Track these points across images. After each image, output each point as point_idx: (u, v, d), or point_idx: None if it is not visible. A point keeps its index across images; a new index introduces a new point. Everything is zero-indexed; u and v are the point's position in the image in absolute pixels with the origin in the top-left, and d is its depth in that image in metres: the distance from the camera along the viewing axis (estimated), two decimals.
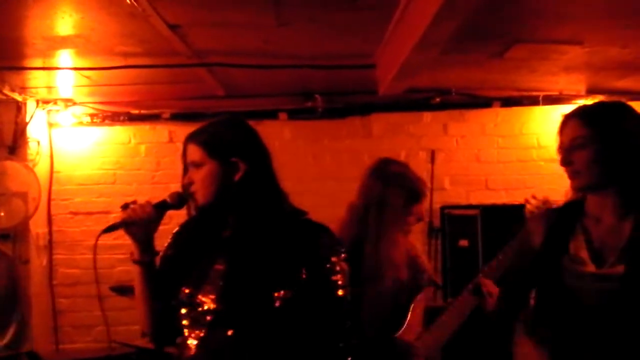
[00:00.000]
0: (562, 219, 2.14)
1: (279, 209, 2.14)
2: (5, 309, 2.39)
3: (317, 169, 5.34)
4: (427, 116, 5.38)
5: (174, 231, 2.24)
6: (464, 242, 4.12)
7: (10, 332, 2.32)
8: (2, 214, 4.61)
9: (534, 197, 2.89)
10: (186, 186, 2.11)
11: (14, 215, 4.67)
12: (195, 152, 2.09)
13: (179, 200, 2.12)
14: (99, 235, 1.99)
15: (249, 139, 2.16)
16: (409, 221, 2.92)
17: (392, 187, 2.85)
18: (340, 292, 2.03)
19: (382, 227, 2.82)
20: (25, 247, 4.97)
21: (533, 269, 2.17)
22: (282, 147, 5.13)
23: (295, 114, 5.34)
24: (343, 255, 2.08)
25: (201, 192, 2.08)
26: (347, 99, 5.23)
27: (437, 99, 5.16)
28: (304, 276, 2.00)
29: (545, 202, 2.83)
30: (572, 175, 2.05)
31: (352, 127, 5.38)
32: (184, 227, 2.25)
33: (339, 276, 2.03)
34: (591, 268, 2.00)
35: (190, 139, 2.13)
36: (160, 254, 2.14)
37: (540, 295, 2.16)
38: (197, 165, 2.09)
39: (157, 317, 2.11)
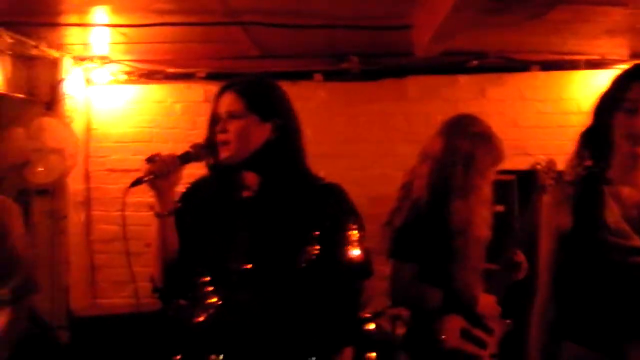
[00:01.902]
0: (587, 191, 2.07)
1: (304, 173, 2.16)
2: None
3: (351, 131, 5.30)
4: (463, 79, 5.30)
5: (185, 189, 2.25)
6: (499, 207, 4.09)
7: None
8: (41, 169, 4.67)
9: (538, 162, 2.89)
10: (219, 134, 2.09)
11: (51, 171, 4.72)
12: (235, 103, 2.09)
13: (202, 151, 2.12)
14: (127, 190, 2.01)
15: (286, 101, 2.18)
16: (490, 181, 2.91)
17: (480, 147, 2.85)
18: (353, 252, 2.10)
19: (469, 184, 2.82)
20: (63, 203, 5.04)
21: (568, 251, 2.11)
22: (316, 108, 5.13)
23: (330, 76, 5.29)
24: (358, 217, 2.15)
25: (234, 145, 2.08)
26: (383, 60, 5.17)
27: (474, 62, 5.07)
28: (323, 238, 2.05)
29: (551, 163, 2.83)
30: None
31: (387, 89, 5.31)
32: (197, 185, 2.25)
33: (353, 238, 2.10)
34: (638, 241, 1.94)
35: (230, 88, 2.12)
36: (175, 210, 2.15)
37: (582, 277, 2.08)
38: (235, 116, 2.08)
39: (171, 272, 2.13)
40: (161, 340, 2.19)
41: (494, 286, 2.96)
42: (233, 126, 2.08)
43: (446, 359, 2.80)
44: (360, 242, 2.13)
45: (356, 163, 5.09)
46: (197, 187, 2.24)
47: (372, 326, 4.15)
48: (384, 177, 4.83)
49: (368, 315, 4.13)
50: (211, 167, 2.18)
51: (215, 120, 2.14)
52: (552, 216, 2.20)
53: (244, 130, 2.08)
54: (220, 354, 2.03)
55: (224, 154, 2.10)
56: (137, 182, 2.01)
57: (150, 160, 2.02)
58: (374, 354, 4.10)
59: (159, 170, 2.00)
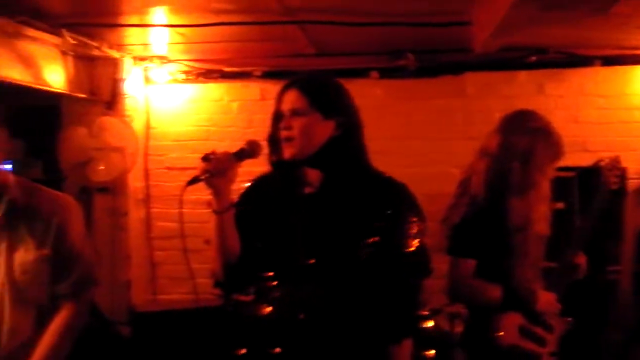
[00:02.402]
0: None
1: (366, 169, 2.18)
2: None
3: (408, 129, 5.26)
4: (522, 75, 5.20)
5: (247, 185, 2.27)
6: (559, 205, 4.03)
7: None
8: (102, 167, 4.78)
9: (602, 159, 2.83)
10: (282, 131, 2.11)
11: (112, 169, 4.82)
12: (298, 100, 2.10)
13: (257, 148, 2.14)
14: (184, 188, 2.04)
15: (348, 98, 2.20)
16: (549, 176, 2.87)
17: (539, 143, 2.81)
18: (413, 245, 2.11)
19: (527, 180, 2.79)
20: (123, 200, 5.15)
21: None
22: (373, 106, 5.09)
23: (386, 73, 5.26)
24: (420, 211, 2.17)
25: (298, 142, 2.10)
26: (440, 57, 5.12)
27: (533, 58, 4.98)
28: (384, 230, 2.07)
29: (616, 161, 2.77)
30: None
31: (444, 86, 5.26)
32: (259, 181, 2.27)
33: (414, 231, 2.11)
34: None
35: (294, 85, 2.14)
36: (236, 205, 2.18)
37: None
38: (299, 113, 2.10)
39: (231, 266, 2.16)
40: (223, 335, 2.22)
41: (554, 284, 2.91)
42: (297, 123, 2.10)
43: (504, 357, 2.76)
44: (421, 236, 2.14)
45: (413, 161, 5.06)
46: (259, 183, 2.26)
47: (430, 324, 4.13)
48: (441, 175, 4.78)
49: (426, 312, 4.11)
50: (274, 164, 2.21)
51: (278, 117, 2.16)
52: (633, 219, 2.16)
53: (307, 127, 2.10)
54: (284, 347, 2.06)
55: (287, 151, 2.12)
56: (193, 181, 2.04)
57: (205, 158, 2.05)
58: (432, 352, 4.07)
59: (215, 168, 2.03)
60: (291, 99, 2.12)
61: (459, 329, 3.72)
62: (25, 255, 2.30)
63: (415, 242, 2.13)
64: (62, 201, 2.44)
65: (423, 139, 5.21)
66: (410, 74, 5.16)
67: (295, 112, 2.10)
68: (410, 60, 5.05)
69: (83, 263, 2.40)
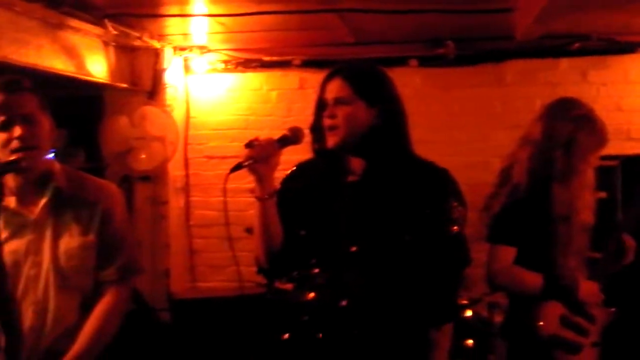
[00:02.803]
0: None
1: (409, 157, 2.18)
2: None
3: (447, 118, 5.22)
4: (564, 63, 5.12)
5: (290, 172, 2.29)
6: (602, 194, 3.99)
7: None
8: (143, 156, 4.84)
9: None
10: (326, 119, 2.12)
11: (153, 157, 4.88)
12: (343, 89, 2.11)
13: (299, 135, 2.15)
14: (228, 175, 2.04)
15: (391, 86, 2.20)
16: (592, 165, 2.84)
17: (583, 130, 2.79)
18: (454, 229, 2.12)
19: (570, 168, 2.77)
20: (164, 188, 5.21)
21: None
22: (412, 94, 5.00)
23: (425, 61, 5.22)
24: (460, 195, 2.18)
25: (342, 130, 2.11)
26: (480, 45, 5.06)
27: (576, 45, 4.90)
28: (426, 216, 2.08)
29: None
30: None
31: (484, 74, 5.20)
32: (301, 168, 2.28)
33: (455, 216, 2.12)
34: None
35: (338, 74, 2.14)
36: (279, 191, 2.19)
37: None
38: (344, 102, 2.11)
39: (274, 252, 2.16)
40: (264, 321, 2.25)
41: (597, 273, 2.88)
42: (341, 112, 2.10)
43: (544, 346, 2.74)
44: (461, 222, 2.15)
45: (452, 150, 5.02)
46: (301, 170, 2.28)
47: (469, 313, 4.11)
48: (481, 164, 4.74)
49: (465, 302, 4.09)
50: (317, 152, 2.22)
51: (321, 106, 2.17)
52: None
53: (351, 116, 2.10)
54: (326, 333, 2.08)
55: (331, 139, 2.13)
56: (237, 167, 2.05)
57: (249, 145, 2.05)
58: (471, 341, 4.06)
59: (259, 155, 2.03)
60: (335, 88, 2.13)
61: (498, 318, 3.70)
62: (70, 241, 2.33)
63: (456, 227, 2.14)
64: (105, 189, 2.48)
65: (463, 128, 5.17)
66: (450, 62, 5.12)
67: (339, 101, 2.11)
68: (450, 48, 5.00)
69: (127, 250, 2.44)
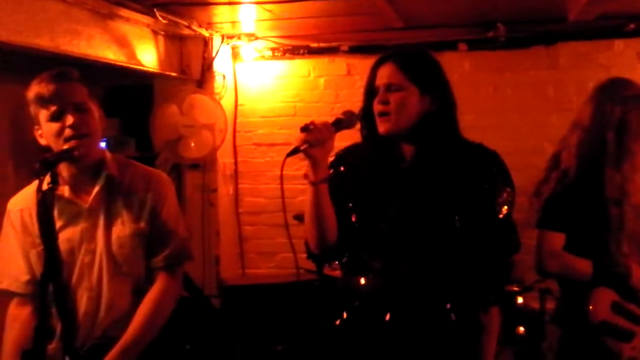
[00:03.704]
0: None
1: (458, 142, 2.17)
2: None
3: (499, 102, 5.14)
4: (619, 44, 4.99)
5: (335, 156, 2.25)
6: None
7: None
8: (193, 144, 4.88)
9: None
10: (378, 105, 2.11)
11: (203, 145, 4.92)
12: (395, 75, 2.09)
13: (354, 118, 2.14)
14: (285, 159, 2.00)
15: (442, 72, 2.18)
16: None
17: (634, 110, 2.71)
18: (503, 211, 2.11)
19: (622, 151, 2.70)
20: (213, 176, 5.25)
21: None
22: (461, 79, 5.00)
23: (475, 45, 5.14)
24: (509, 178, 2.15)
25: (394, 116, 2.09)
26: (531, 27, 4.96)
27: (631, 26, 4.77)
28: (476, 198, 2.07)
29: None
30: None
31: (536, 57, 5.10)
32: (348, 152, 2.26)
33: (504, 198, 2.10)
34: None
35: (389, 59, 2.12)
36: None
37: None
38: (396, 88, 2.09)
39: (326, 237, 2.14)
40: (315, 307, 2.25)
41: None
42: (393, 98, 2.08)
43: (596, 333, 2.68)
44: (511, 205, 2.13)
45: (504, 135, 4.94)
46: (346, 155, 2.26)
47: (520, 300, 4.06)
48: (535, 149, 4.65)
49: (517, 289, 4.04)
50: (367, 138, 2.20)
51: (372, 92, 2.15)
52: None
53: (404, 102, 2.08)
54: (378, 318, 2.07)
55: (382, 125, 2.11)
56: (294, 152, 2.01)
57: (305, 129, 2.01)
58: (522, 328, 4.01)
59: (315, 139, 2.00)
60: (387, 74, 2.11)
61: (550, 305, 3.64)
62: (122, 229, 2.36)
63: (505, 210, 2.11)
64: (156, 177, 2.50)
65: (515, 112, 5.08)
66: (501, 45, 5.03)
67: (391, 87, 2.09)
68: (500, 31, 4.91)
69: (177, 237, 2.46)
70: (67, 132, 2.25)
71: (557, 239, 2.73)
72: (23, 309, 2.37)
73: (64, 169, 2.33)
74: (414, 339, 2.07)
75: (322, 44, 5.40)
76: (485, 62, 5.18)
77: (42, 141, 2.34)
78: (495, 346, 2.21)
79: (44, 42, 3.50)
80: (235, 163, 5.60)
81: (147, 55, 4.60)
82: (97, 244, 2.35)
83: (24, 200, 2.40)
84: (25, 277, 2.37)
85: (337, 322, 2.19)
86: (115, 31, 4.17)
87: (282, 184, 2.04)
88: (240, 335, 4.50)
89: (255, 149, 5.59)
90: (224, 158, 5.40)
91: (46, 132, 2.30)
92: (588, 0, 3.60)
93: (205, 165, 5.18)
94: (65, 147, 2.25)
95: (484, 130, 4.83)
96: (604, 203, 2.69)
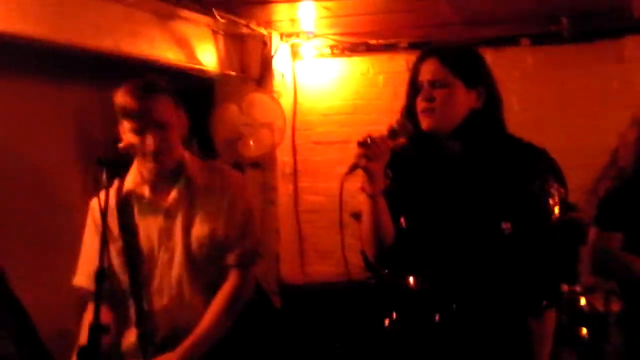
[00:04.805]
0: None
1: (506, 139, 2.12)
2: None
3: (562, 99, 5.01)
4: None
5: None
6: None
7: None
8: (252, 143, 4.91)
9: None
10: (422, 102, 2.06)
11: (262, 144, 4.95)
12: (440, 70, 2.05)
13: (408, 127, 2.09)
14: (344, 177, 1.99)
15: (487, 68, 2.13)
16: None
17: None
18: (555, 211, 2.04)
19: None
20: (272, 175, 5.28)
21: None
22: (524, 75, 4.91)
23: (538, 39, 5.02)
24: (561, 176, 2.08)
25: (440, 113, 2.05)
26: (597, 21, 4.83)
27: None
28: (527, 199, 2.02)
29: None
30: None
31: (601, 52, 4.95)
32: (396, 155, 2.21)
33: (556, 197, 2.04)
34: None
35: (433, 55, 2.08)
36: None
37: None
38: (442, 84, 2.04)
39: (384, 248, 2.12)
40: (370, 307, 2.23)
41: None
42: (439, 94, 2.04)
43: None
44: (564, 203, 2.07)
45: (568, 131, 4.83)
46: (394, 157, 2.22)
47: (583, 301, 3.96)
48: (600, 146, 4.48)
49: (579, 289, 3.95)
50: (413, 137, 2.16)
51: (416, 89, 2.10)
52: None
53: (450, 98, 2.04)
54: (429, 322, 2.05)
55: (426, 122, 2.06)
56: (352, 169, 2.00)
57: (363, 144, 1.99)
58: (585, 330, 3.92)
59: (373, 154, 1.98)
60: (431, 70, 2.06)
61: (615, 307, 3.55)
62: (200, 229, 2.42)
63: (557, 210, 2.05)
64: (232, 177, 2.56)
65: (579, 108, 4.95)
66: (564, 40, 4.90)
67: (436, 83, 2.04)
68: (563, 25, 4.79)
69: (251, 236, 2.52)
70: (148, 148, 2.31)
71: (614, 239, 2.66)
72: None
73: (144, 170, 2.40)
74: (465, 340, 2.04)
75: (380, 41, 5.36)
76: (549, 57, 5.05)
77: (124, 142, 2.37)
78: (550, 349, 2.15)
79: (106, 44, 3.57)
80: (295, 161, 5.62)
81: (207, 55, 4.65)
82: (176, 242, 2.41)
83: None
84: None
85: (387, 322, 2.17)
86: (175, 32, 4.23)
87: (340, 199, 2.02)
88: (300, 334, 4.52)
89: (314, 147, 5.60)
90: (283, 156, 5.42)
91: (127, 139, 2.35)
92: None
93: (264, 163, 5.22)
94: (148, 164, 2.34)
95: (548, 127, 4.78)
96: None
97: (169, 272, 2.41)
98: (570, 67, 5.01)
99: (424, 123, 2.07)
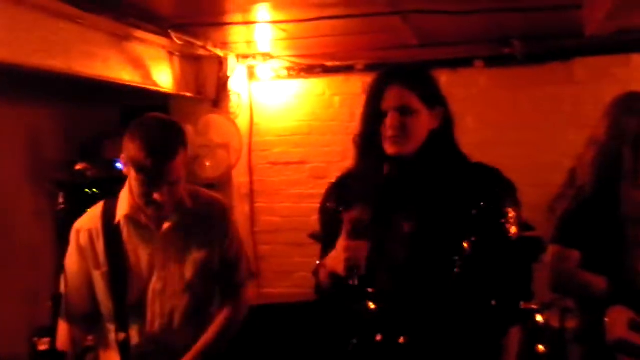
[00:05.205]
0: None
1: (461, 158, 2.13)
2: None
3: (516, 118, 5.10)
4: (636, 59, 4.94)
5: (328, 189, 2.24)
6: None
7: None
8: (208, 164, 4.88)
9: None
10: (390, 129, 2.03)
11: (218, 165, 4.93)
12: (407, 97, 2.03)
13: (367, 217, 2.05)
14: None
15: (439, 87, 2.13)
16: None
17: None
18: (511, 230, 2.05)
19: (639, 166, 2.64)
20: (229, 195, 5.24)
21: None
22: (478, 96, 4.99)
23: (492, 61, 5.12)
24: (514, 195, 2.09)
25: (407, 138, 2.03)
26: (548, 43, 4.93)
27: None
28: (483, 221, 2.02)
29: None
30: None
31: (553, 73, 5.07)
32: (343, 183, 2.20)
33: (511, 217, 2.04)
34: None
35: (398, 81, 2.05)
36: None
37: None
38: (410, 111, 2.03)
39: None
40: (331, 327, 2.21)
41: None
42: (408, 121, 2.02)
43: (612, 351, 2.63)
44: (518, 221, 2.08)
45: (522, 151, 4.91)
46: (341, 186, 2.20)
47: (540, 318, 4.00)
48: (552, 165, 4.59)
49: (536, 307, 3.98)
50: (368, 161, 2.12)
51: (378, 114, 2.06)
52: None
53: (417, 123, 2.03)
54: (396, 340, 2.03)
55: (395, 149, 2.04)
56: (351, 285, 2.00)
57: (350, 271, 1.97)
58: (542, 347, 3.95)
59: (362, 267, 1.98)
60: (397, 96, 2.03)
61: (571, 324, 3.59)
62: (194, 255, 2.41)
63: (513, 229, 2.06)
64: (218, 203, 2.57)
65: (532, 128, 5.04)
66: (517, 61, 4.99)
67: (404, 110, 2.02)
68: (516, 47, 4.88)
69: (245, 258, 2.57)
70: (155, 200, 2.25)
71: (571, 257, 2.69)
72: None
73: (141, 204, 2.33)
74: None
75: (337, 63, 5.40)
76: (502, 79, 5.15)
77: (124, 170, 2.32)
78: None
79: (59, 63, 3.51)
80: (251, 182, 5.61)
81: (163, 76, 4.62)
82: (171, 272, 2.39)
83: (91, 220, 2.44)
84: (84, 311, 2.41)
85: (350, 347, 2.15)
86: (131, 52, 4.19)
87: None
88: (257, 355, 4.47)
89: (270, 167, 5.59)
90: (240, 177, 5.40)
91: (131, 182, 2.30)
92: (604, 15, 3.56)
93: (220, 184, 5.17)
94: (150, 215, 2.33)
95: (502, 146, 4.84)
96: (620, 220, 2.64)
97: (162, 301, 2.38)
98: (523, 88, 5.12)
99: (391, 149, 2.04)
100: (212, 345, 2.44)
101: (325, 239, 2.20)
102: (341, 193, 2.18)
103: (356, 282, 1.98)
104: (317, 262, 2.22)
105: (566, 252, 2.69)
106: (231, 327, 2.51)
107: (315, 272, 2.22)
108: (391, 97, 2.04)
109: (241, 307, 2.56)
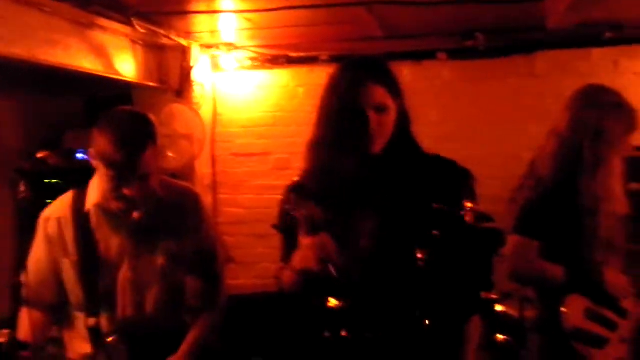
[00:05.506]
0: None
1: (419, 152, 2.14)
2: None
3: (478, 111, 5.14)
4: (597, 53, 5.02)
5: (286, 192, 2.20)
6: (636, 186, 3.93)
7: None
8: (171, 154, 4.85)
9: None
10: (371, 127, 2.00)
11: (181, 156, 4.90)
12: (384, 96, 2.02)
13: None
14: None
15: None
16: (624, 152, 2.77)
17: (609, 117, 2.70)
18: (468, 220, 2.05)
19: (598, 158, 2.69)
20: (192, 186, 5.20)
21: None
22: (441, 88, 5.02)
23: (455, 54, 5.15)
24: (472, 186, 2.09)
25: (383, 136, 2.04)
26: (510, 36, 4.99)
27: (609, 34, 4.80)
28: (442, 211, 2.02)
29: None
30: None
31: (515, 66, 5.12)
32: (302, 185, 2.17)
33: (467, 207, 2.05)
34: None
35: (374, 79, 2.03)
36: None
37: None
38: (386, 108, 2.02)
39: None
40: (297, 320, 2.21)
41: (633, 267, 2.80)
42: (384, 119, 2.01)
43: (570, 339, 2.68)
44: (478, 213, 2.08)
45: (483, 143, 4.96)
46: (300, 189, 2.15)
47: (499, 307, 4.05)
48: (514, 158, 4.61)
49: (495, 296, 4.03)
50: (341, 157, 2.06)
51: (354, 112, 2.01)
52: None
53: (390, 120, 2.03)
54: (354, 332, 2.04)
55: (372, 147, 2.03)
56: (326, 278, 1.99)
57: (324, 265, 1.97)
58: (502, 336, 4.00)
59: (334, 258, 1.97)
60: (375, 94, 2.01)
61: (530, 313, 3.65)
62: (166, 245, 2.39)
63: (469, 217, 2.07)
64: (191, 192, 2.56)
65: (494, 121, 5.09)
66: (480, 54, 5.04)
67: (380, 108, 2.01)
68: (479, 40, 4.93)
69: (219, 246, 2.55)
70: (125, 196, 2.22)
71: (531, 247, 2.73)
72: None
73: (111, 196, 2.29)
74: (391, 353, 2.03)
75: (301, 54, 5.39)
76: (465, 71, 5.19)
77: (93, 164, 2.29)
78: (475, 355, 2.19)
79: (20, 51, 3.46)
80: (214, 173, 5.58)
81: (126, 65, 4.57)
82: (141, 259, 2.37)
83: (60, 209, 2.40)
84: (50, 300, 2.39)
85: (314, 341, 2.15)
86: (93, 41, 4.14)
87: None
88: (221, 351, 4.46)
89: (233, 159, 5.57)
90: (203, 168, 5.37)
91: (100, 176, 2.27)
92: (566, 7, 3.61)
93: (183, 175, 5.13)
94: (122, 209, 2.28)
95: (465, 139, 4.89)
96: (579, 211, 2.69)
97: (133, 290, 2.36)
98: (485, 81, 5.16)
99: (373, 148, 2.03)
100: (203, 338, 2.48)
101: (286, 241, 2.18)
102: (298, 194, 2.14)
103: (334, 274, 1.97)
104: (280, 266, 2.21)
105: (526, 241, 2.73)
106: (217, 317, 2.56)
107: (278, 276, 2.20)
108: (369, 95, 2.01)
109: (223, 292, 2.59)
